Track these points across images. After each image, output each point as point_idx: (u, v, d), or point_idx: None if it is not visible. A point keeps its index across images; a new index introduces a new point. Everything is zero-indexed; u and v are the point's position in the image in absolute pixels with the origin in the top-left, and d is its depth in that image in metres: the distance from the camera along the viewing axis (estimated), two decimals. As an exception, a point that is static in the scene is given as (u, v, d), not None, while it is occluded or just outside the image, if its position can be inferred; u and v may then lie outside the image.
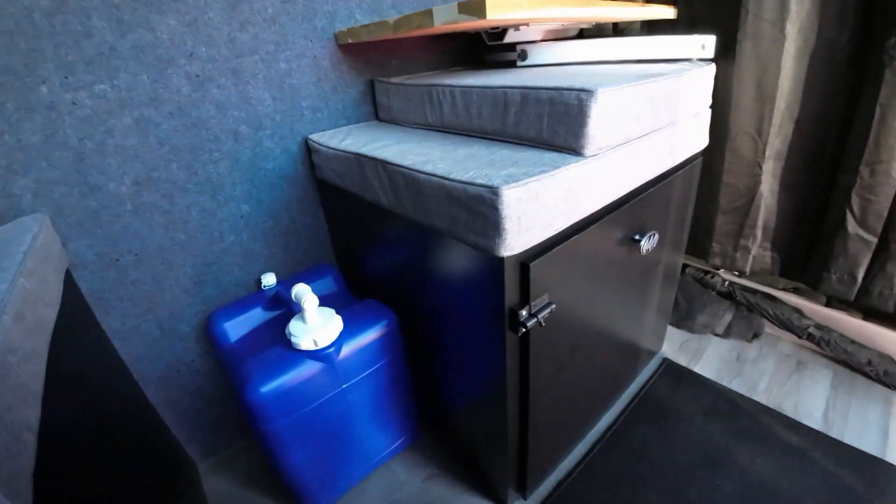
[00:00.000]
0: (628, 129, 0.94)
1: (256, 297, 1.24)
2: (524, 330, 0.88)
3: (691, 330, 1.66)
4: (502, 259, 0.82)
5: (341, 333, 1.09)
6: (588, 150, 0.87)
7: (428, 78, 1.26)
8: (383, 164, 0.98)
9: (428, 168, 0.89)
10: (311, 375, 1.05)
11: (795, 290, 1.63)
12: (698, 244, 1.67)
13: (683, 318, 1.65)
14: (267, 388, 1.01)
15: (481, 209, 0.80)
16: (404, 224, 1.03)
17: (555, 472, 1.27)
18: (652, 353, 1.54)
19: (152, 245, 1.14)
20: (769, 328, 1.65)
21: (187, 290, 1.21)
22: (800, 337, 1.56)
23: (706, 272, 1.70)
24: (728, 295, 1.66)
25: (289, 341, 1.07)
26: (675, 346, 1.64)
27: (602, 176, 0.92)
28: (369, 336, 1.12)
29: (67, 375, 0.78)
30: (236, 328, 1.21)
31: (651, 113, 0.99)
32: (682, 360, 1.56)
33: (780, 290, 1.63)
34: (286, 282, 1.27)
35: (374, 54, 1.32)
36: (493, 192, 0.77)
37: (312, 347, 1.05)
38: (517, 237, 0.80)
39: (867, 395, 1.45)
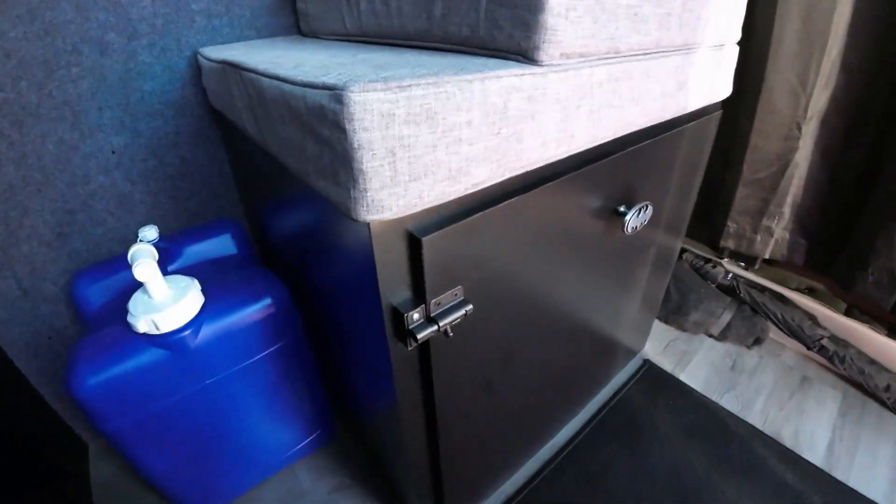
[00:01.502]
0: (618, 32, 0.51)
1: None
2: (416, 343, 0.47)
3: (682, 328, 1.23)
4: (367, 227, 0.41)
5: (202, 314, 0.70)
6: (546, 55, 0.46)
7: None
8: (239, 70, 0.57)
9: (273, 69, 0.47)
10: (153, 367, 0.67)
11: (810, 292, 1.18)
12: (706, 222, 1.21)
13: (674, 312, 1.22)
14: (96, 381, 0.64)
15: (324, 131, 0.40)
16: (270, 164, 0.63)
17: (492, 498, 0.88)
18: (631, 353, 1.12)
19: (1, 185, 0.76)
20: (774, 334, 1.21)
21: (49, 242, 0.84)
22: (809, 348, 1.12)
23: (707, 260, 1.25)
24: (730, 290, 1.21)
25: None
26: (659, 345, 1.21)
27: (567, 101, 0.49)
28: (245, 317, 0.73)
29: None
30: (102, 292, 0.82)
31: (658, 17, 0.55)
32: (666, 364, 1.14)
33: (792, 289, 1.18)
34: (174, 238, 0.87)
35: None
36: (337, 98, 0.36)
37: (153, 331, 0.67)
38: (391, 189, 0.40)
39: (880, 427, 1.02)
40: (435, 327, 0.48)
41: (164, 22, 0.80)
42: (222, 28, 0.85)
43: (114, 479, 0.98)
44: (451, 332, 0.50)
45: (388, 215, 0.41)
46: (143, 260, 0.65)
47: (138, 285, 0.76)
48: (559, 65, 0.47)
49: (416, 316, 0.48)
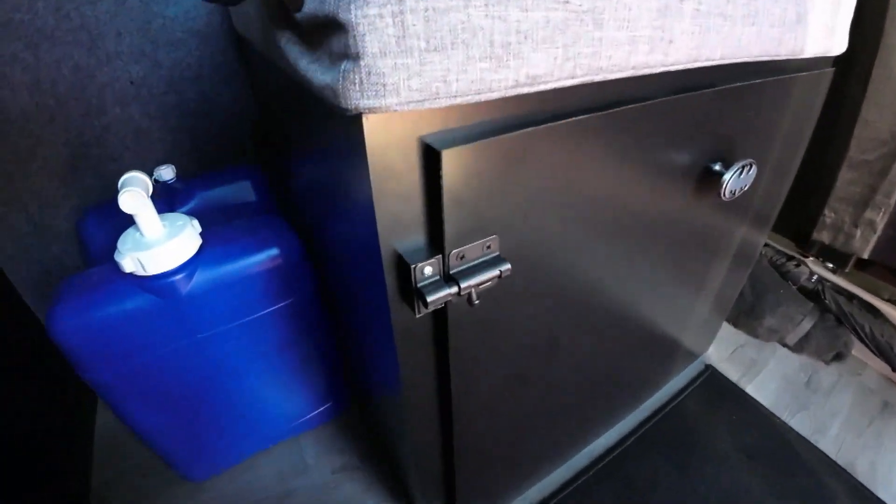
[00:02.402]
0: None
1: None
2: (426, 308, 0.32)
3: (753, 333, 1.01)
4: (359, 123, 0.27)
5: (197, 258, 0.58)
6: None
7: None
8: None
9: None
10: (138, 312, 0.55)
11: (911, 305, 0.93)
12: (796, 210, 0.95)
13: (746, 314, 1.00)
14: (75, 323, 0.53)
15: None
16: (275, 79, 0.49)
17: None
18: (692, 356, 0.92)
19: (14, 110, 0.68)
20: (858, 350, 0.97)
21: (62, 176, 0.75)
22: (896, 370, 0.88)
23: (789, 257, 1.02)
24: (813, 295, 0.98)
25: (123, 258, 0.58)
26: (725, 350, 1.00)
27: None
28: (247, 267, 0.60)
29: None
30: (111, 232, 0.72)
31: None
32: (731, 373, 0.93)
33: (885, 300, 0.93)
34: (191, 181, 0.76)
35: None
36: None
37: (140, 272, 0.55)
38: (397, 59, 0.25)
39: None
40: (454, 289, 0.33)
41: (192, -64, 0.68)
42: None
43: (118, 430, 0.88)
44: (478, 298, 0.35)
45: (393, 102, 0.26)
46: (131, 189, 0.54)
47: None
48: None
49: (427, 270, 0.32)
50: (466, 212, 0.32)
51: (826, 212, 0.88)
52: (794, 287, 0.98)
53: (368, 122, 0.27)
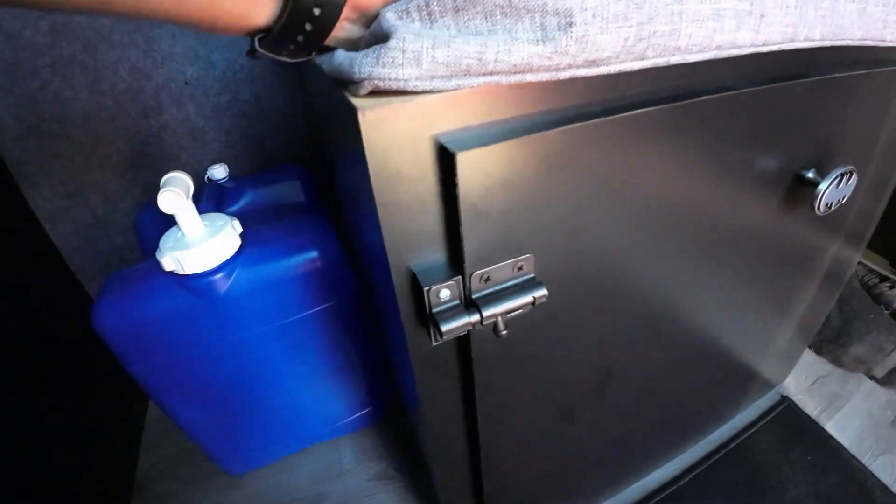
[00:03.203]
0: None
1: (205, 190, 0.72)
2: (441, 337, 0.26)
3: (838, 362, 0.85)
4: (355, 110, 0.21)
5: (236, 258, 0.56)
6: None
7: None
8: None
9: None
10: (176, 310, 0.54)
11: None
12: (894, 226, 0.78)
13: (830, 340, 0.84)
14: (116, 317, 0.53)
15: None
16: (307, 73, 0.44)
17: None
18: (767, 385, 0.79)
19: (75, 110, 0.70)
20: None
21: (122, 172, 0.76)
22: None
23: (883, 278, 0.86)
24: (913, 322, 0.82)
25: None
26: (805, 380, 0.85)
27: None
28: (286, 269, 0.57)
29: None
30: (163, 228, 0.73)
31: None
32: (810, 407, 0.79)
33: None
34: (242, 180, 0.75)
35: None
36: None
37: (179, 270, 0.53)
38: (421, 26, 0.19)
39: None
40: (475, 317, 0.26)
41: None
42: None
43: (163, 425, 0.90)
44: (506, 327, 0.28)
45: (412, 75, 0.20)
46: (170, 189, 0.52)
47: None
48: None
49: (444, 294, 0.26)
50: (492, 226, 0.26)
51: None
52: (886, 312, 0.82)
53: (365, 116, 0.21)
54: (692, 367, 0.57)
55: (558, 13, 0.20)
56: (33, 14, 0.63)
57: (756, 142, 0.36)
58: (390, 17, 0.21)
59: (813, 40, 0.32)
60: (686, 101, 0.28)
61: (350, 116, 0.22)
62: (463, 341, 0.31)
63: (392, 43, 0.20)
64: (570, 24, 0.21)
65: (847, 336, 0.80)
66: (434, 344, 0.28)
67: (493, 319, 0.27)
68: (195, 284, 0.54)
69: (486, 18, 0.21)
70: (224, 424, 0.69)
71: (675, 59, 0.25)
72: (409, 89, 0.22)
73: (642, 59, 0.24)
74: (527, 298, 0.28)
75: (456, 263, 0.27)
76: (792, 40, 0.31)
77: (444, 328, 0.26)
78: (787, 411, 0.77)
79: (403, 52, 0.20)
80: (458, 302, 0.27)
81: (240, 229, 0.59)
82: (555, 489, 0.57)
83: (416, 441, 0.64)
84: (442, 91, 0.22)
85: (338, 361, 0.71)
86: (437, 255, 0.27)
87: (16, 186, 0.72)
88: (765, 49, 0.29)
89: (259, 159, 0.83)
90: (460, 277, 0.26)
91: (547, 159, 0.25)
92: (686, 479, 0.69)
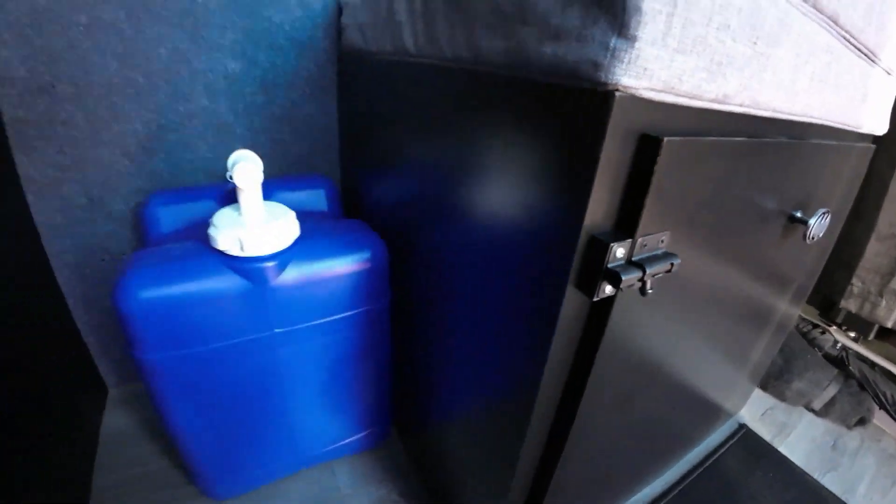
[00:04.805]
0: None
1: (215, 189, 0.73)
2: (617, 287, 0.33)
3: (782, 396, 1.03)
4: (606, 99, 0.29)
5: (293, 247, 0.57)
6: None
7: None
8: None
9: None
10: (224, 293, 0.53)
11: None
12: (824, 279, 1.00)
13: (776, 377, 1.02)
14: (149, 295, 0.50)
15: None
16: (429, 78, 0.50)
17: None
18: (729, 415, 0.92)
19: (99, 79, 0.67)
20: (878, 417, 1.00)
21: (132, 155, 0.73)
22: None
23: (814, 325, 1.07)
24: (838, 362, 1.02)
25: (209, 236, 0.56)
26: (756, 411, 1.01)
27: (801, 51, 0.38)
28: (337, 266, 0.59)
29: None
30: (175, 217, 0.70)
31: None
32: (763, 433, 0.94)
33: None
34: (267, 182, 0.75)
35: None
36: None
37: (236, 252, 0.53)
38: (659, 50, 0.28)
39: None
40: (639, 273, 0.34)
41: (311, -47, 0.73)
42: (364, -26, 0.77)
43: (126, 432, 0.82)
44: (651, 286, 0.36)
45: (645, 84, 0.28)
46: (248, 163, 0.53)
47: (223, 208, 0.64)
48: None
49: (619, 252, 0.34)
50: (658, 204, 0.34)
51: (854, 280, 0.94)
52: (819, 354, 1.02)
53: (617, 98, 0.29)
54: (682, 395, 0.67)
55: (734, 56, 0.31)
56: None
57: (783, 179, 0.49)
58: (644, 18, 0.27)
59: (813, 117, 0.47)
60: (771, 141, 0.39)
61: (601, 99, 0.29)
62: (603, 305, 0.38)
63: (640, 62, 0.28)
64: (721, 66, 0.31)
65: (789, 373, 0.98)
66: (595, 299, 0.34)
67: (647, 279, 0.35)
68: (249, 268, 0.54)
69: (704, 15, 0.30)
70: (222, 434, 0.65)
71: (762, 110, 0.37)
72: (639, 95, 0.30)
73: (739, 103, 0.36)
74: (665, 265, 0.36)
75: (625, 230, 0.34)
76: (809, 116, 0.45)
77: (624, 279, 0.32)
78: (747, 436, 0.90)
79: (645, 69, 0.28)
80: (624, 258, 0.34)
81: (296, 219, 0.61)
82: (601, 482, 0.62)
83: (448, 456, 0.65)
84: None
85: (353, 374, 0.71)
86: (608, 221, 0.34)
87: (7, 147, 0.66)
88: (796, 118, 0.42)
89: (281, 165, 0.84)
90: (630, 241, 0.34)
91: (699, 156, 0.35)
92: (672, 494, 0.77)
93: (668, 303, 0.45)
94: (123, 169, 0.73)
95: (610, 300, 0.36)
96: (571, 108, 0.31)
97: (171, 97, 0.71)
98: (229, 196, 0.72)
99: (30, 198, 0.70)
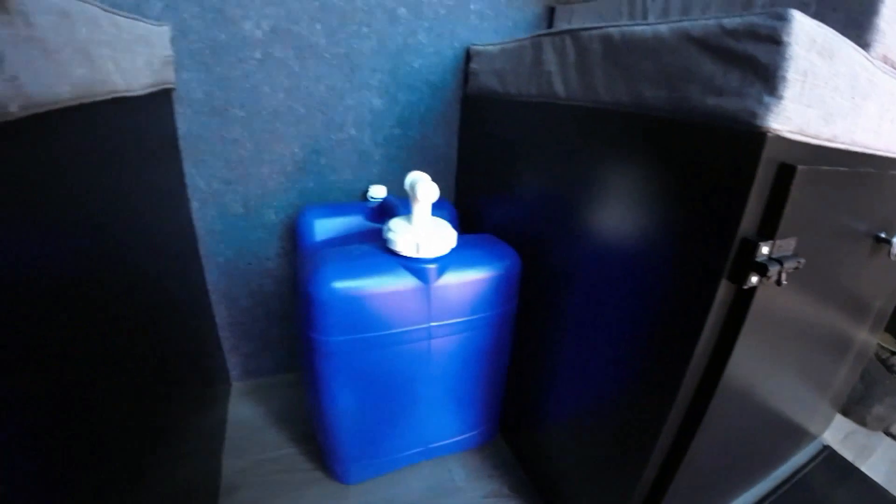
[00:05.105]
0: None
1: (359, 205, 0.92)
2: (754, 281, 0.48)
3: (862, 421, 1.13)
4: (761, 138, 0.44)
5: (451, 254, 0.73)
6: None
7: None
8: (575, 34, 0.64)
9: (633, 24, 0.54)
10: (398, 290, 0.69)
11: None
12: None
13: (856, 402, 1.13)
14: (339, 285, 0.66)
15: (745, 48, 0.44)
16: (579, 117, 0.66)
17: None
18: (812, 437, 1.03)
19: (267, 106, 0.86)
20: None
21: (287, 173, 0.91)
22: None
23: (893, 352, 1.18)
24: (915, 390, 1.12)
25: (383, 241, 0.73)
26: (837, 435, 1.11)
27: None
28: (481, 272, 0.74)
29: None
30: (327, 228, 0.88)
31: None
32: (845, 455, 1.04)
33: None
34: (399, 201, 0.92)
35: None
36: (778, 16, 0.41)
37: (413, 254, 0.70)
38: (796, 104, 0.44)
39: None
40: (778, 266, 0.48)
41: (446, 12, 0.92)
42: (487, 31, 0.97)
43: (251, 421, 0.97)
44: (785, 279, 0.50)
45: (786, 128, 0.44)
46: (427, 183, 0.70)
47: (363, 230, 0.82)
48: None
49: (764, 250, 0.48)
50: (789, 215, 0.49)
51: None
52: None
53: (768, 137, 0.44)
54: (777, 409, 0.79)
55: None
56: (256, 8, 0.79)
57: (869, 209, 0.63)
58: (793, 74, 0.45)
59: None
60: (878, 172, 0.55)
61: (750, 139, 0.45)
62: (746, 296, 0.52)
63: (782, 113, 0.44)
64: (831, 114, 0.47)
65: (870, 398, 1.08)
66: (745, 287, 0.49)
67: (783, 272, 0.49)
68: (419, 268, 0.70)
69: (823, 79, 0.46)
70: (367, 419, 0.79)
71: (858, 146, 0.52)
72: (781, 135, 0.45)
73: (841, 142, 0.51)
74: (795, 263, 0.50)
75: (765, 235, 0.49)
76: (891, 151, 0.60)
77: (770, 269, 0.47)
78: (831, 457, 1.00)
79: (788, 118, 0.44)
80: (767, 255, 0.49)
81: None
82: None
83: (561, 462, 0.78)
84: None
85: (480, 371, 0.85)
86: (752, 226, 0.49)
87: (179, 159, 0.83)
88: (881, 153, 0.57)
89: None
90: (771, 242, 0.48)
91: (819, 181, 0.50)
92: (764, 507, 0.88)
93: (782, 309, 0.59)
94: (279, 185, 0.91)
95: (751, 291, 0.51)
96: (731, 144, 0.47)
97: (325, 126, 0.90)
98: (371, 212, 0.89)
99: (194, 204, 0.88)
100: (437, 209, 0.96)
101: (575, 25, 0.66)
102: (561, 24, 0.99)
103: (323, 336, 0.69)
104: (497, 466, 0.90)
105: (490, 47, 0.86)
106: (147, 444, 0.54)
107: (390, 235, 0.70)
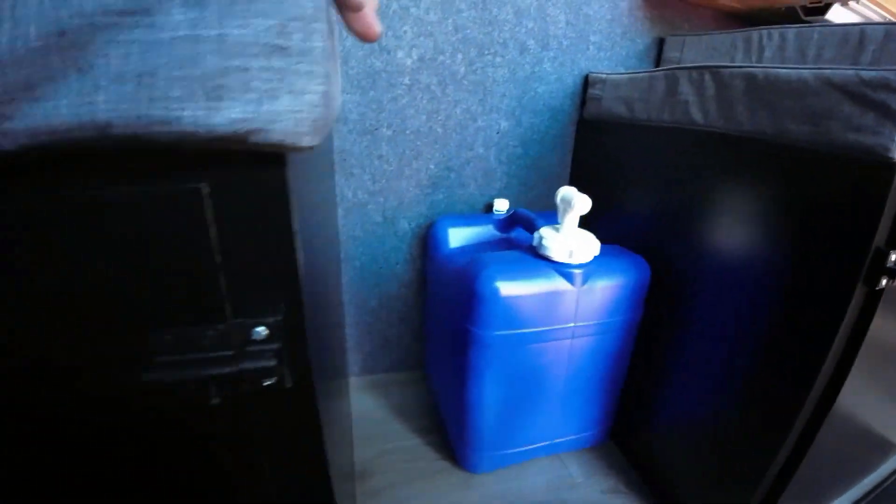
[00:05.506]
0: None
1: (486, 217, 1.11)
2: (883, 283, 0.64)
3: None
4: (893, 167, 0.61)
5: (593, 261, 0.90)
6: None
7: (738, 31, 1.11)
8: (714, 70, 0.82)
9: (781, 68, 0.72)
10: (551, 291, 0.86)
11: None
12: None
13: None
14: (501, 284, 0.83)
15: (880, 96, 0.62)
16: (717, 144, 0.84)
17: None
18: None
19: (411, 126, 1.06)
20: None
21: (422, 186, 1.11)
22: None
23: None
24: None
25: (531, 249, 0.91)
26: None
27: None
28: (618, 280, 0.91)
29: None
30: (459, 237, 1.06)
31: None
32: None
33: None
34: (517, 213, 1.11)
35: (670, 12, 1.18)
36: None
37: (565, 260, 0.87)
38: None
39: None
40: (904, 271, 0.65)
41: (569, 43, 1.11)
42: (603, 60, 1.16)
43: (374, 414, 1.15)
44: (906, 284, 0.66)
45: None
46: (581, 196, 0.87)
47: (492, 239, 1.00)
48: None
49: (894, 257, 0.65)
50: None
51: None
52: None
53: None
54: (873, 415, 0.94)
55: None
56: (408, 40, 0.99)
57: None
58: None
59: None
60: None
61: (880, 167, 0.62)
62: (877, 294, 0.68)
63: None
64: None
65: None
66: (878, 287, 0.65)
67: (909, 278, 0.65)
68: (569, 272, 0.87)
69: None
70: (505, 410, 0.95)
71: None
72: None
73: None
74: (912, 273, 0.66)
75: (892, 245, 0.65)
76: None
77: (899, 274, 0.63)
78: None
79: None
80: (894, 264, 0.65)
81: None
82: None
83: (677, 460, 0.93)
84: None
85: (604, 373, 1.00)
86: (882, 240, 0.65)
87: (332, 171, 1.03)
88: None
89: (525, 202, 1.21)
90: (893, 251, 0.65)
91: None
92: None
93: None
94: (414, 197, 1.10)
95: (880, 293, 0.67)
96: (867, 172, 0.64)
97: (458, 146, 1.09)
98: (499, 223, 1.08)
99: (340, 212, 1.08)
100: (546, 221, 1.14)
101: (712, 63, 0.84)
102: (671, 54, 1.17)
103: (482, 330, 0.86)
104: (611, 466, 1.06)
105: (615, 76, 1.04)
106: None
107: (544, 242, 0.88)
